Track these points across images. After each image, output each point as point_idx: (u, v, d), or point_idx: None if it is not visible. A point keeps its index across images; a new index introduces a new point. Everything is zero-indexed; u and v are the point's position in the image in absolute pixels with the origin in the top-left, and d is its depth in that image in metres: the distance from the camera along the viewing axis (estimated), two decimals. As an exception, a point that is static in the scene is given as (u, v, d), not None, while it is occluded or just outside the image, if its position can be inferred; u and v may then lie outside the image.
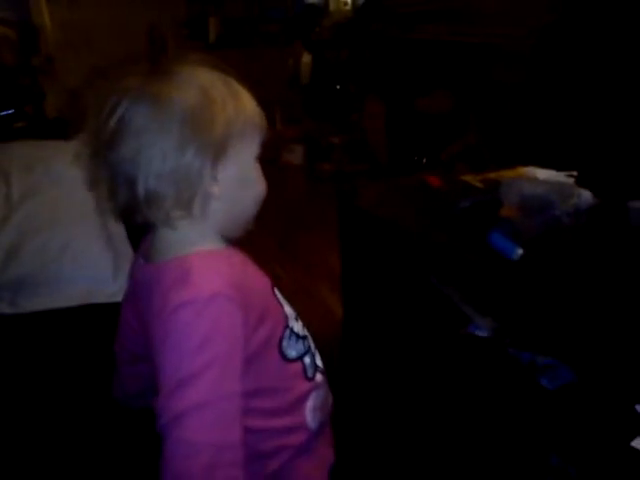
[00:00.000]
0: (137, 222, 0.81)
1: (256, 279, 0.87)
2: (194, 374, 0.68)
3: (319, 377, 0.93)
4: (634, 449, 1.03)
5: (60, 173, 1.83)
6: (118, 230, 1.79)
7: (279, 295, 0.91)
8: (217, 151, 0.77)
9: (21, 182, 1.85)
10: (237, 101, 0.80)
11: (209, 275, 0.75)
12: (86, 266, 1.70)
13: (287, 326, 0.87)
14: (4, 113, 3.83)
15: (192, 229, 0.80)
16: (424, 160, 3.36)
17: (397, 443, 1.57)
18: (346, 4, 4.96)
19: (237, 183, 0.82)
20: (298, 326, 0.91)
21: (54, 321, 1.56)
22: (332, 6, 5.34)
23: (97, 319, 1.50)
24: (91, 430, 1.24)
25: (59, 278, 1.67)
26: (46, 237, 1.72)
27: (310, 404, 0.89)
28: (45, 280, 1.67)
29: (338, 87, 4.63)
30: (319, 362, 0.95)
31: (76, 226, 1.74)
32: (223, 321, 0.72)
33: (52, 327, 1.54)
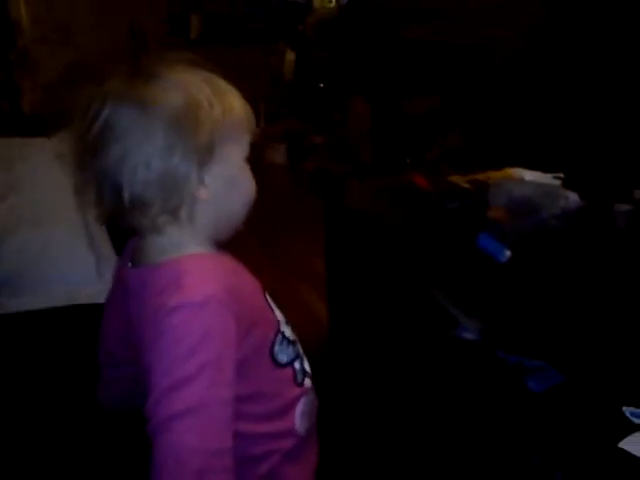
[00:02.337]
0: (124, 227, 0.79)
1: (248, 284, 0.86)
2: (185, 378, 0.67)
3: (307, 382, 0.93)
4: (622, 450, 1.03)
5: (41, 171, 1.79)
6: (100, 230, 1.77)
7: (269, 300, 0.90)
8: (204, 155, 0.75)
9: (1, 179, 1.81)
10: (224, 102, 0.78)
11: (202, 279, 0.74)
12: (68, 266, 1.68)
13: (279, 331, 0.87)
14: (-21, 109, 3.77)
15: (181, 233, 0.79)
16: (408, 160, 3.37)
17: (383, 446, 1.56)
18: (331, 1, 4.94)
19: (226, 186, 0.80)
20: (288, 331, 0.90)
21: (36, 322, 1.54)
22: (316, 3, 5.32)
23: (80, 320, 1.48)
24: (75, 432, 1.22)
25: (40, 278, 1.65)
26: (26, 236, 1.68)
27: (299, 409, 0.89)
28: (26, 280, 1.64)
29: (321, 85, 4.62)
30: (307, 367, 0.94)
31: (57, 226, 1.71)
32: (216, 325, 0.71)
33: (34, 328, 1.52)
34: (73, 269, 1.67)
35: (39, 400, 1.30)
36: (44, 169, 1.77)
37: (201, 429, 0.67)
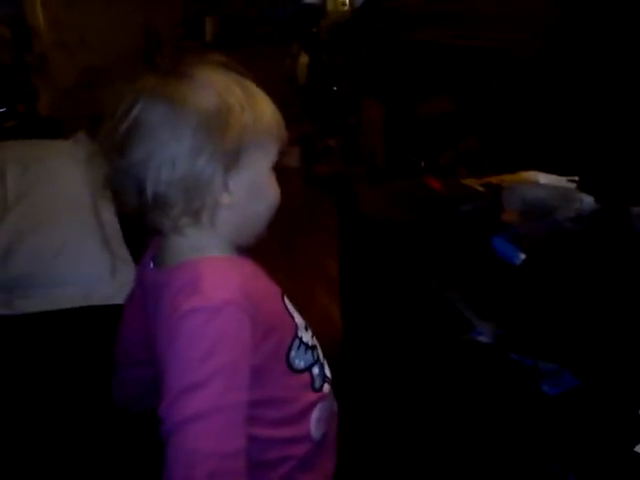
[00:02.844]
0: (146, 227, 0.79)
1: (267, 288, 0.86)
2: (200, 382, 0.67)
3: (327, 388, 0.91)
4: (638, 455, 1.02)
5: (56, 173, 1.81)
6: (114, 232, 1.78)
7: (289, 304, 0.89)
8: (230, 160, 0.74)
9: (17, 182, 1.83)
10: (255, 108, 0.77)
11: (220, 283, 0.74)
12: (82, 268, 1.69)
13: (296, 336, 0.86)
14: (-4, 111, 3.81)
15: (201, 236, 0.79)
16: (422, 163, 3.36)
17: (399, 449, 1.56)
18: (344, 4, 4.94)
19: (250, 193, 0.80)
20: (307, 336, 0.89)
21: (51, 323, 1.55)
22: (330, 6, 5.33)
23: (94, 321, 1.49)
24: (89, 433, 1.23)
25: (55, 279, 1.66)
26: (42, 238, 1.70)
27: (315, 415, 0.87)
28: (41, 281, 1.65)
29: (335, 88, 4.62)
30: (328, 372, 0.93)
31: (72, 227, 1.73)
32: (232, 330, 0.71)
33: (49, 329, 1.53)
34: (87, 270, 1.68)
35: (54, 401, 1.31)
36: (59, 170, 1.79)
37: (214, 433, 0.67)
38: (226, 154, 0.74)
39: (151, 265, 0.85)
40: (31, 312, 1.58)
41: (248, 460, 0.70)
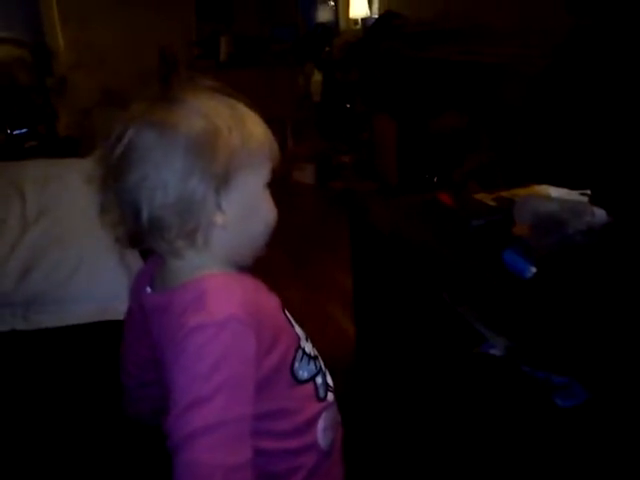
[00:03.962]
0: (145, 250, 0.81)
1: (268, 302, 0.86)
2: (205, 397, 0.68)
3: (330, 396, 0.92)
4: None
5: (74, 190, 1.84)
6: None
7: (289, 316, 0.90)
8: (220, 181, 0.75)
9: (36, 199, 1.87)
10: (243, 129, 0.78)
11: (223, 299, 0.75)
12: (100, 283, 1.71)
13: (299, 347, 0.87)
14: (17, 132, 3.89)
15: (200, 257, 0.80)
16: (435, 179, 3.37)
17: (412, 460, 1.56)
18: (356, 23, 5.00)
19: (244, 212, 0.81)
20: (309, 346, 0.90)
21: (68, 337, 1.56)
22: (342, 25, 5.39)
23: (111, 336, 1.50)
24: (105, 447, 1.24)
25: (72, 296, 1.68)
26: (60, 254, 1.73)
27: (321, 424, 0.88)
28: (59, 297, 1.68)
29: (348, 106, 4.66)
30: (330, 381, 0.94)
31: (90, 243, 1.75)
32: (236, 345, 0.72)
33: (66, 343, 1.54)
34: (104, 287, 1.70)
35: (69, 414, 1.32)
36: (77, 188, 1.82)
37: (220, 446, 0.68)
38: (216, 176, 0.75)
39: (148, 290, 0.85)
40: (46, 327, 1.60)
41: (257, 472, 0.71)
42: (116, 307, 1.64)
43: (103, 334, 1.55)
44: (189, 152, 0.73)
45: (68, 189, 1.87)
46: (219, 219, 0.77)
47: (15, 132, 3.87)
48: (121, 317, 1.54)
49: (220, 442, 0.68)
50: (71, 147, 3.83)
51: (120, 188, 0.75)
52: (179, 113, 0.75)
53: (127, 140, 0.74)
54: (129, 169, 0.74)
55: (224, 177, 0.76)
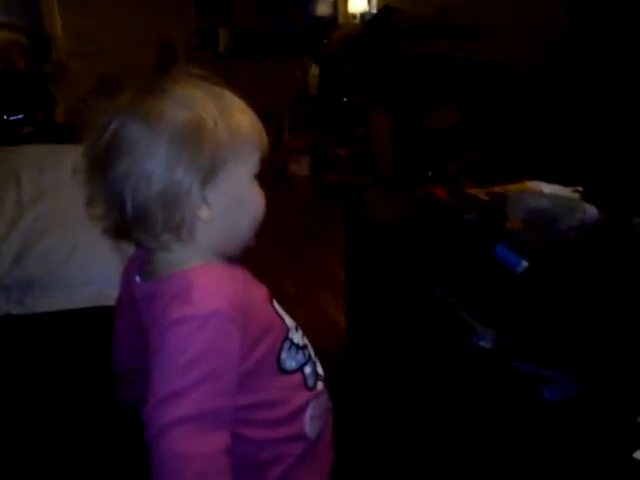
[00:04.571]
0: (131, 243, 0.81)
1: (257, 294, 0.86)
2: (183, 389, 0.68)
3: (320, 385, 0.92)
4: (636, 461, 1.03)
5: (70, 176, 1.84)
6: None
7: (278, 307, 0.90)
8: (206, 173, 0.74)
9: (31, 184, 1.87)
10: (230, 121, 0.77)
11: (210, 291, 0.74)
12: (94, 268, 1.71)
13: (287, 338, 0.86)
14: (14, 118, 3.88)
15: (186, 250, 0.79)
16: (429, 173, 3.38)
17: (401, 450, 1.57)
18: (355, 18, 5.00)
19: (231, 205, 0.80)
20: (298, 336, 0.90)
21: (62, 322, 1.56)
22: (341, 19, 5.39)
23: (106, 321, 1.51)
24: (100, 432, 1.24)
25: (67, 280, 1.68)
26: (55, 239, 1.73)
27: (309, 413, 0.88)
28: (54, 281, 1.68)
29: (345, 99, 4.66)
30: (320, 370, 0.93)
31: (85, 228, 1.74)
32: (218, 340, 0.72)
33: (60, 328, 1.54)
34: (100, 271, 1.70)
35: (65, 399, 1.32)
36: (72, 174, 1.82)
37: (196, 436, 0.68)
38: (202, 169, 0.74)
39: (137, 279, 0.85)
40: (44, 312, 1.60)
41: (243, 460, 0.72)
42: (111, 292, 1.64)
43: (98, 319, 1.55)
44: (174, 143, 0.72)
45: (64, 174, 1.85)
46: (205, 212, 0.76)
47: (11, 118, 3.86)
48: (115, 303, 1.54)
49: (196, 432, 0.68)
50: (68, 134, 3.82)
51: (105, 179, 0.74)
52: (164, 104, 0.74)
53: (111, 131, 0.73)
54: (113, 160, 0.73)
55: (210, 170, 0.75)
